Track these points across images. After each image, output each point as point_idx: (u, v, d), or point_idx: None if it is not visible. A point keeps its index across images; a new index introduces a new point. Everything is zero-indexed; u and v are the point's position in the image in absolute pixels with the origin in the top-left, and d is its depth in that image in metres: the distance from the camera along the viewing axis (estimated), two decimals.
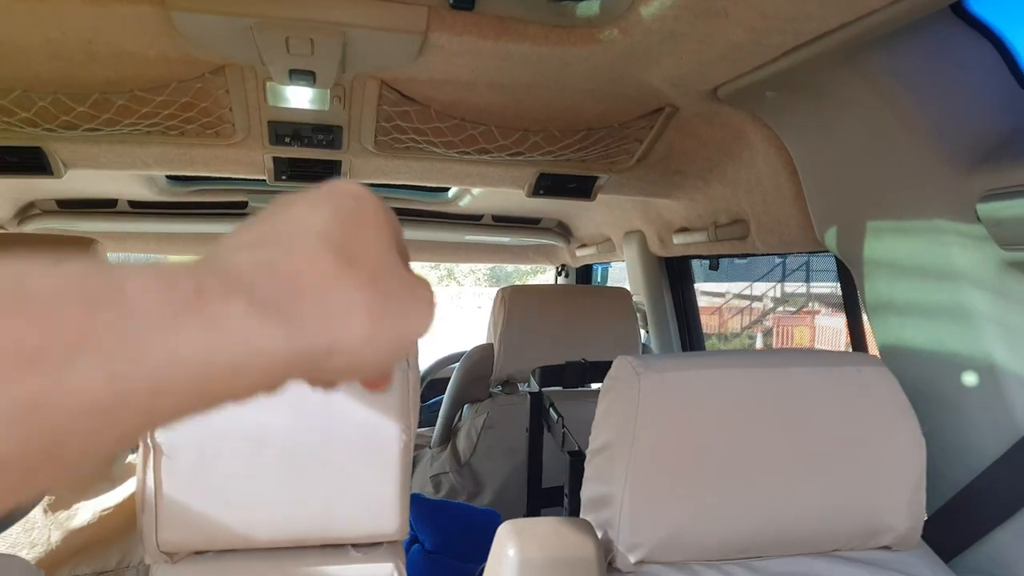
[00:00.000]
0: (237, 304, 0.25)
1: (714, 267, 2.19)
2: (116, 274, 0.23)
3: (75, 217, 2.61)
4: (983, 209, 1.05)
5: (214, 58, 1.33)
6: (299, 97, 1.47)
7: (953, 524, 1.17)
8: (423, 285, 0.33)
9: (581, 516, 0.99)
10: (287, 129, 1.60)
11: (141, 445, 0.85)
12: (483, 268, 31.28)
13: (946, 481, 1.20)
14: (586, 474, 1.01)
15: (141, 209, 2.65)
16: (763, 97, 1.36)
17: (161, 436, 0.85)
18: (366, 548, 0.95)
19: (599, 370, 1.78)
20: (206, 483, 0.86)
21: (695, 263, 2.55)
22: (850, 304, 1.73)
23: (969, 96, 1.13)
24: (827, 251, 1.56)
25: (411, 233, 2.97)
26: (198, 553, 0.90)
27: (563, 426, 1.44)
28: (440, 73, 1.38)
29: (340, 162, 1.79)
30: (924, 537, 1.13)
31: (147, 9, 1.13)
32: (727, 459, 0.91)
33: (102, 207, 2.61)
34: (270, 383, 0.28)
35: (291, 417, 0.88)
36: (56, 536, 1.73)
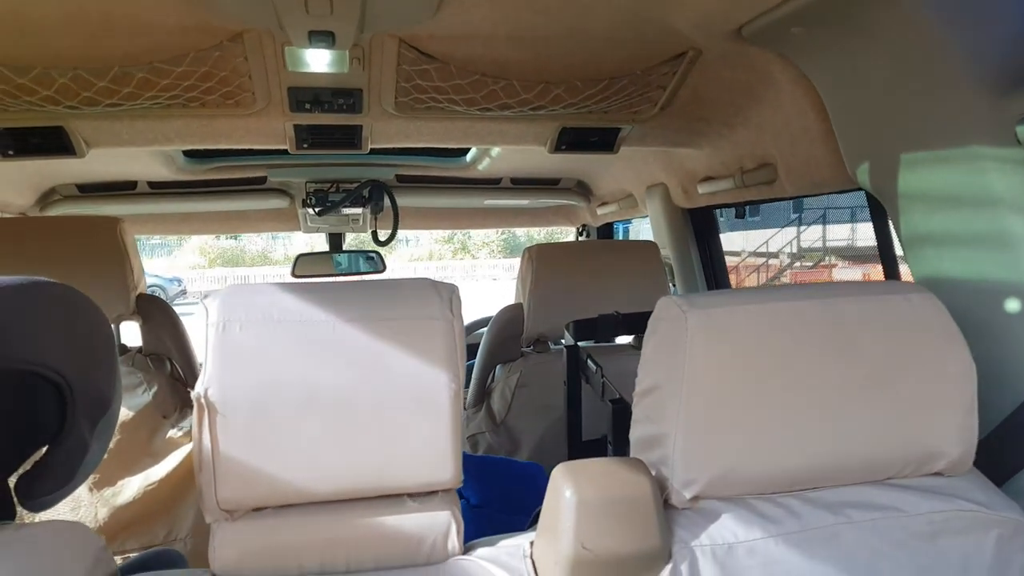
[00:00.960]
0: None
1: (740, 215, 2.17)
2: None
3: (96, 201, 2.63)
4: (1023, 131, 1.03)
5: (232, 24, 1.33)
6: (318, 61, 1.46)
7: (1002, 450, 1.16)
8: None
9: (633, 457, 0.99)
10: (307, 95, 1.60)
11: (195, 404, 0.86)
12: (497, 240, 31.28)
13: (994, 408, 1.19)
14: (634, 416, 1.01)
15: (161, 190, 2.66)
16: (789, 34, 1.34)
17: (215, 394, 0.86)
18: (422, 497, 0.96)
19: (632, 322, 1.78)
20: (261, 440, 0.86)
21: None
22: (883, 245, 1.72)
23: (1003, 18, 1.11)
24: (857, 189, 1.54)
25: (429, 200, 2.97)
26: (256, 510, 0.91)
27: (603, 375, 1.44)
28: (459, 28, 1.36)
29: (361, 127, 1.78)
30: (975, 464, 1.13)
31: None
32: (778, 392, 0.91)
33: (122, 190, 2.62)
34: None
35: (341, 370, 0.89)
36: (103, 513, 1.77)
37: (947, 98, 1.15)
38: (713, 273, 2.44)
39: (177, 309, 2.16)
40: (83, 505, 1.75)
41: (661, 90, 1.67)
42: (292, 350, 0.88)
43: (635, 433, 1.01)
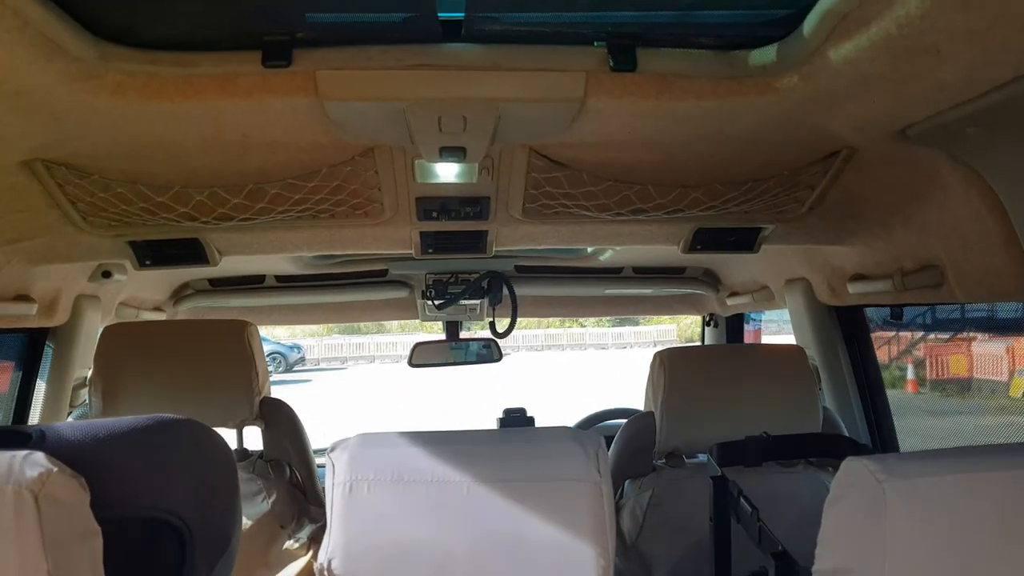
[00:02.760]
0: None
1: (897, 317, 1.98)
2: None
3: (226, 295, 2.70)
4: None
5: (365, 141, 1.30)
6: (447, 172, 1.42)
7: None
8: None
9: None
10: (434, 204, 1.56)
11: (315, 572, 0.78)
12: None
13: None
14: None
15: (287, 283, 2.71)
16: (963, 135, 1.19)
17: (339, 567, 0.78)
18: None
19: (784, 446, 1.61)
20: None
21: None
22: None
23: None
24: None
25: (548, 289, 2.91)
26: None
27: (759, 519, 1.29)
28: (593, 136, 1.29)
29: (487, 232, 1.73)
30: None
31: (302, 101, 1.10)
32: None
33: (251, 283, 2.69)
34: None
35: (473, 540, 0.79)
36: None
37: None
38: (867, 381, 2.22)
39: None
40: None
41: (809, 190, 1.54)
42: (423, 515, 0.79)
43: None
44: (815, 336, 2.25)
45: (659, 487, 1.89)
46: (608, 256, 2.55)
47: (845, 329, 2.24)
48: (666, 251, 2.58)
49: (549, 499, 0.82)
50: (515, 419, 3.41)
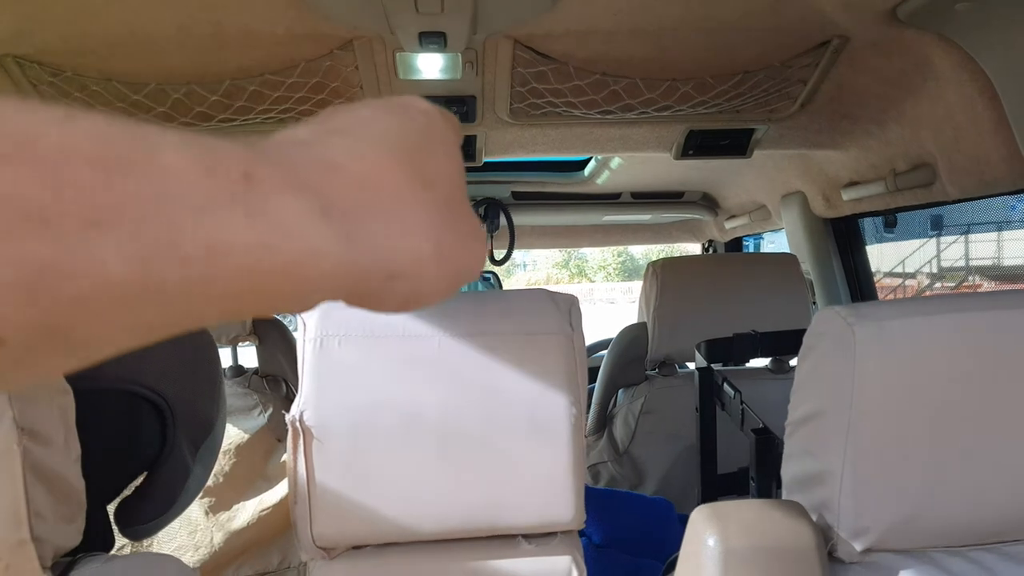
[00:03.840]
0: (292, 199, 0.22)
1: (890, 224, 1.96)
2: (147, 141, 0.19)
3: None
4: None
5: (342, 31, 1.28)
6: (430, 67, 1.39)
7: None
8: (478, 221, 0.30)
9: (785, 499, 0.85)
10: None
11: (290, 429, 0.78)
12: (614, 263, 31.00)
13: None
14: (787, 450, 0.86)
15: None
16: (952, 12, 1.17)
17: (311, 418, 0.78)
18: (539, 539, 0.85)
19: (773, 341, 1.60)
20: (361, 470, 0.78)
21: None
22: None
23: None
24: None
25: (546, 217, 2.89)
26: (355, 548, 0.82)
27: (742, 401, 1.29)
28: (578, 24, 1.26)
29: (475, 137, 1.71)
30: None
31: None
32: (973, 422, 0.75)
33: None
34: (319, 297, 0.24)
35: (448, 392, 0.79)
36: (219, 538, 1.74)
37: None
38: (859, 290, 2.22)
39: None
40: (199, 529, 1.73)
41: (801, 84, 1.51)
42: (394, 369, 0.79)
43: (789, 470, 0.86)
44: (810, 249, 2.23)
45: (651, 395, 1.90)
46: (605, 178, 2.53)
47: (839, 241, 2.23)
48: (663, 174, 2.56)
49: (522, 351, 0.81)
50: None
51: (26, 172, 0.17)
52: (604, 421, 2.00)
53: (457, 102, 1.53)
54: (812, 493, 0.80)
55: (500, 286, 3.24)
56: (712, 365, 1.59)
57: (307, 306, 0.24)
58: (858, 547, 0.76)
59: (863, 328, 0.76)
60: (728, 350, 1.53)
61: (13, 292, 0.16)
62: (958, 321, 0.77)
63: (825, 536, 0.78)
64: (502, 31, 1.29)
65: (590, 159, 2.52)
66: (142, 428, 0.81)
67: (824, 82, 1.50)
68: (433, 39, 1.24)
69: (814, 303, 2.29)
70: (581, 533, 1.37)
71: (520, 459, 0.80)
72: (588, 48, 1.37)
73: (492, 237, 2.80)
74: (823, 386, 0.79)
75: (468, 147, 1.75)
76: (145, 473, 0.84)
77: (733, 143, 1.73)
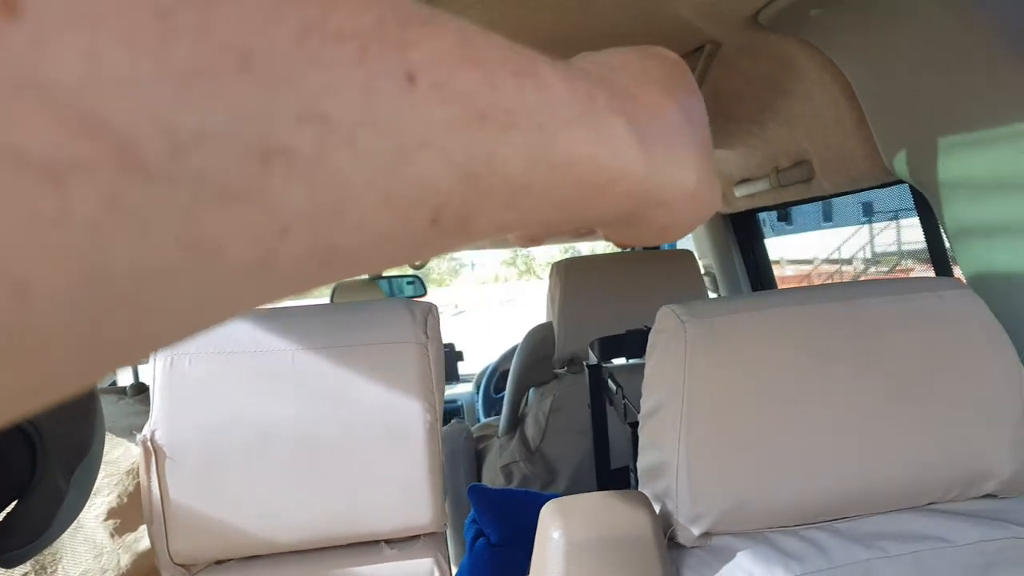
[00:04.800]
0: (619, 121, 0.24)
1: (783, 218, 2.03)
2: (529, 57, 0.22)
3: None
4: None
5: None
6: None
7: None
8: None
9: (639, 489, 0.89)
10: None
11: (142, 449, 0.80)
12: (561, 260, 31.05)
13: None
14: (640, 443, 0.91)
15: None
16: (808, 18, 1.23)
17: (162, 437, 0.79)
18: (401, 543, 0.88)
19: None
20: (216, 485, 0.80)
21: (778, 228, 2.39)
22: (933, 243, 1.57)
23: None
24: (898, 182, 1.41)
25: None
26: (218, 563, 0.84)
27: (624, 396, 1.34)
28: None
29: None
30: None
31: None
32: (796, 409, 0.80)
33: None
34: (613, 212, 0.26)
35: (299, 406, 0.82)
36: (126, 560, 1.72)
37: (984, 71, 1.02)
38: (759, 281, 2.30)
39: None
40: (105, 552, 1.71)
41: None
42: (248, 384, 0.81)
43: (641, 461, 0.91)
44: (711, 244, 2.30)
45: (559, 393, 1.94)
46: None
47: (739, 235, 2.30)
48: None
49: (375, 361, 0.84)
50: (444, 354, 3.44)
51: (476, 74, 0.19)
52: (516, 421, 2.04)
53: None
54: (656, 483, 0.85)
55: (424, 288, 3.26)
56: (615, 361, 1.64)
57: (598, 223, 0.28)
58: (696, 532, 0.81)
59: (693, 325, 0.81)
60: (621, 346, 1.58)
61: (462, 175, 0.18)
62: (781, 315, 0.82)
63: (667, 523, 0.82)
64: None
65: None
66: (9, 455, 0.82)
67: (703, 85, 1.56)
68: None
69: (719, 295, 2.36)
70: (480, 534, 1.41)
71: (377, 466, 0.83)
72: None
73: None
74: (662, 381, 0.84)
75: None
76: (15, 500, 0.84)
77: None
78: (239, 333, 0.83)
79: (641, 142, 0.25)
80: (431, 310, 0.90)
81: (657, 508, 0.83)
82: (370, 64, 0.16)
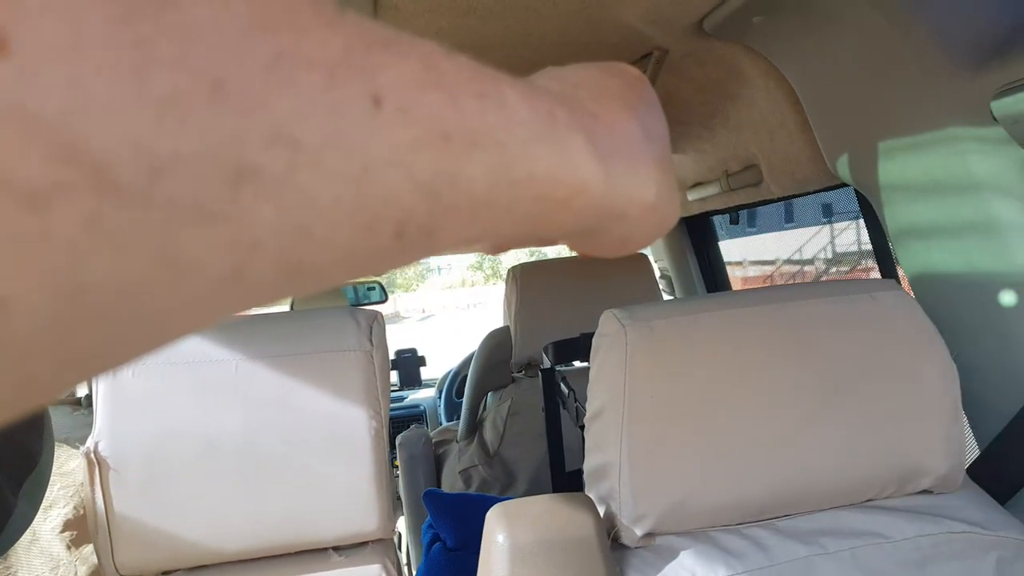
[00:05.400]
0: (578, 137, 0.25)
1: (734, 221, 2.06)
2: (492, 76, 0.22)
3: None
4: (998, 107, 0.93)
5: None
6: None
7: (1007, 460, 1.05)
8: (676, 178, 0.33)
9: (586, 492, 0.90)
10: None
11: (85, 461, 0.79)
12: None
13: (995, 415, 1.08)
14: (586, 445, 0.92)
15: None
16: (751, 25, 1.25)
17: (105, 449, 0.79)
18: (349, 550, 0.88)
19: None
20: (161, 496, 0.79)
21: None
22: (877, 244, 1.61)
23: None
24: (841, 186, 1.44)
25: None
26: (165, 573, 0.84)
27: (575, 399, 1.35)
28: None
29: None
30: (976, 477, 1.02)
31: None
32: (735, 410, 0.82)
33: None
34: (572, 227, 0.27)
35: (244, 415, 0.81)
36: (83, 571, 1.70)
37: (919, 78, 1.05)
38: (714, 282, 2.33)
39: None
40: (62, 564, 1.69)
41: None
42: (192, 394, 0.80)
43: (586, 464, 0.92)
44: (667, 247, 2.33)
45: (517, 397, 1.94)
46: None
47: (693, 237, 2.33)
48: None
49: (320, 369, 0.84)
50: (406, 359, 3.42)
51: (440, 96, 0.19)
52: (474, 425, 2.04)
53: None
54: (600, 485, 0.86)
55: (386, 295, 3.25)
56: (564, 365, 1.65)
57: (559, 236, 0.28)
58: (639, 532, 0.82)
59: (633, 328, 0.82)
60: (575, 350, 1.59)
61: (422, 191, 0.19)
62: (717, 318, 0.84)
63: (611, 525, 0.83)
64: None
65: None
66: None
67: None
68: None
69: (674, 296, 2.39)
70: (437, 538, 1.41)
71: (323, 474, 0.83)
72: None
73: None
74: (604, 384, 0.85)
75: None
76: None
77: None
78: (183, 344, 0.82)
79: (600, 157, 0.26)
80: (376, 318, 0.90)
81: (602, 510, 0.84)
82: (338, 89, 0.17)
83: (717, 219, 2.36)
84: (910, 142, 1.11)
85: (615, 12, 1.25)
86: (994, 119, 0.95)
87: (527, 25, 1.28)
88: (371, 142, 0.17)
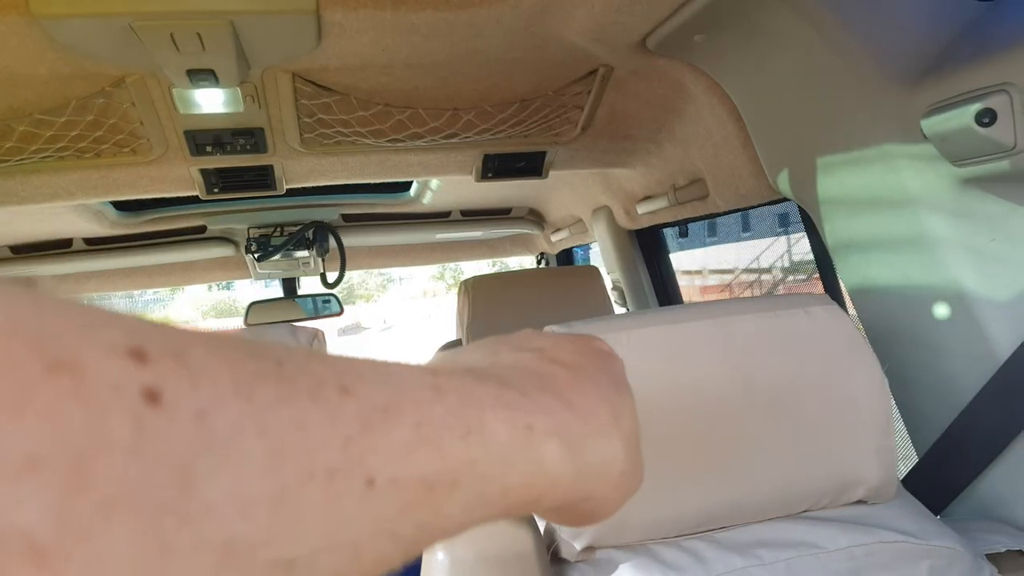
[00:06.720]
0: (553, 443, 0.27)
1: (683, 234, 2.09)
2: (476, 407, 0.24)
3: (31, 261, 2.54)
4: (928, 125, 0.96)
5: (110, 69, 1.26)
6: (210, 101, 1.39)
7: (941, 469, 1.08)
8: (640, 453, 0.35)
9: None
10: (206, 137, 1.52)
11: None
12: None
13: (931, 425, 1.11)
14: None
15: (98, 246, 2.58)
16: (692, 43, 1.28)
17: None
18: None
19: None
20: None
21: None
22: (820, 257, 1.64)
23: (903, 8, 1.04)
24: (783, 200, 1.47)
25: (378, 238, 2.89)
26: None
27: None
28: (352, 58, 1.30)
29: (272, 167, 1.71)
30: (912, 487, 1.04)
31: (16, 20, 1.05)
32: (674, 425, 0.83)
33: (57, 248, 2.54)
34: (544, 510, 0.30)
35: None
36: None
37: (854, 96, 1.08)
38: (665, 293, 2.36)
39: None
40: None
41: (579, 110, 1.60)
42: None
43: None
44: (618, 259, 2.35)
45: None
46: (430, 199, 2.57)
47: (644, 250, 2.36)
48: (487, 192, 2.62)
49: None
50: None
51: (429, 451, 0.22)
52: None
53: (245, 134, 1.53)
54: None
55: (341, 307, 3.23)
56: None
57: (530, 513, 0.30)
58: (578, 546, 0.82)
59: (612, 340, 0.83)
60: None
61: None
62: (652, 334, 0.85)
63: (550, 540, 0.84)
64: (277, 66, 1.31)
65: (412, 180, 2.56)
66: None
67: (599, 107, 1.60)
68: (203, 76, 1.24)
69: (627, 308, 2.41)
70: None
71: None
72: (369, 80, 1.40)
73: (324, 260, 2.79)
74: None
75: (266, 176, 1.75)
76: None
77: (528, 165, 1.81)
78: None
79: (572, 450, 0.28)
80: (316, 335, 0.90)
81: (541, 525, 0.85)
82: (336, 484, 0.19)
83: (670, 232, 2.39)
84: (847, 158, 1.14)
85: (559, 31, 1.26)
86: (925, 137, 0.98)
87: (471, 44, 1.29)
88: (362, 520, 0.20)
